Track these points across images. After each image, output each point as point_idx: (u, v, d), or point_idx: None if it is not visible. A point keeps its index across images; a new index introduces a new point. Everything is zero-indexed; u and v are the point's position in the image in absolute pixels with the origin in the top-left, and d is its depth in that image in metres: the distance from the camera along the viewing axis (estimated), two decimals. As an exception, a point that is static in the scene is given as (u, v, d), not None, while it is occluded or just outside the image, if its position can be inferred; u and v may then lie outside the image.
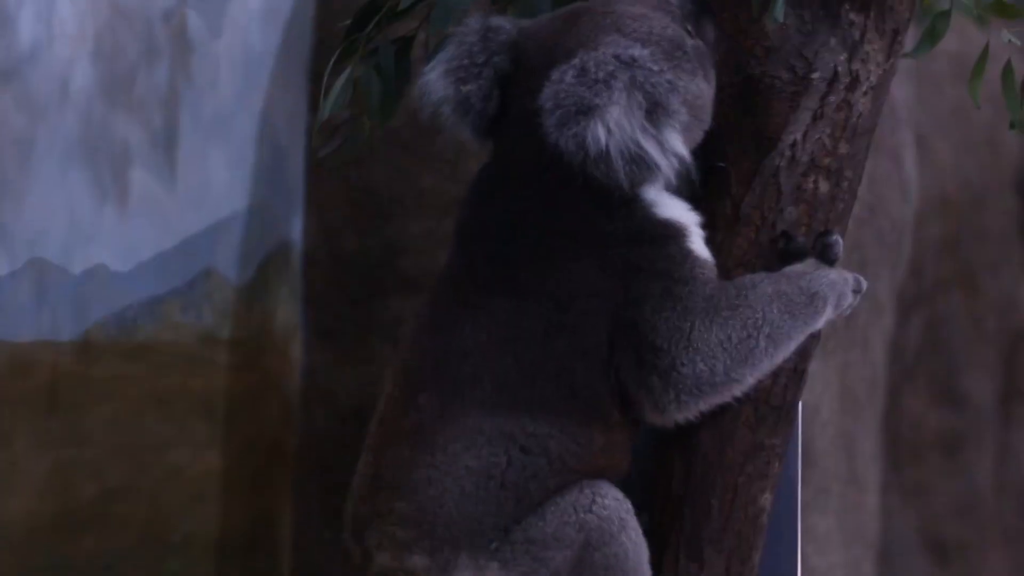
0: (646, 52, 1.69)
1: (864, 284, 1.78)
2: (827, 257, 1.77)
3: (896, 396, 3.27)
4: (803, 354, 1.78)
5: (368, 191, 2.31)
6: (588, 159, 1.67)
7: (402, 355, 1.76)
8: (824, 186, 1.79)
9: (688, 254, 1.72)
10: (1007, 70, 1.89)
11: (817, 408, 2.50)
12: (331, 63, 1.98)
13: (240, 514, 2.24)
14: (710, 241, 1.75)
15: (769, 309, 1.71)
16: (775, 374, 1.76)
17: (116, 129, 2.05)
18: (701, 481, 1.75)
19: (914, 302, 3.33)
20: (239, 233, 2.24)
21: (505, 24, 1.76)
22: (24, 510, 1.91)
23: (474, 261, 1.74)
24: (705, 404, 1.71)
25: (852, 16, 1.77)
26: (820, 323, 1.75)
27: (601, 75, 1.67)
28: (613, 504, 1.69)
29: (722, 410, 1.74)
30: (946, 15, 1.88)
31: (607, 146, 1.66)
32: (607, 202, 1.71)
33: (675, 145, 1.69)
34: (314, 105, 2.28)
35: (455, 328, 1.72)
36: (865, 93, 1.79)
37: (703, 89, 1.74)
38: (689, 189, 1.80)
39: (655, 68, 1.68)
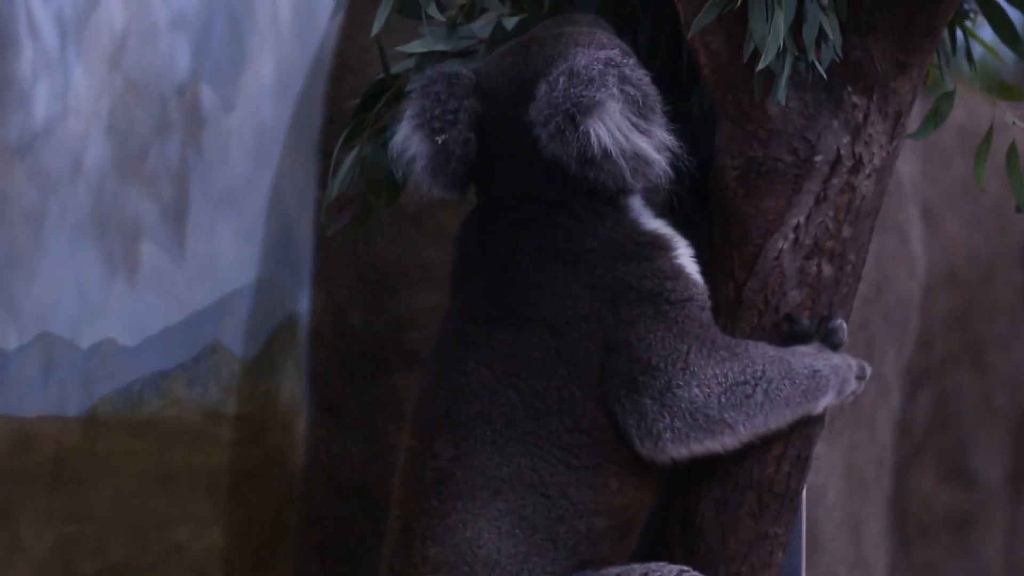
0: (615, 53, 1.71)
1: (868, 371, 1.77)
2: (831, 342, 1.77)
3: (904, 475, 3.23)
4: (807, 440, 1.77)
5: (375, 266, 2.31)
6: (587, 161, 1.67)
7: (415, 406, 1.76)
8: (827, 269, 1.79)
9: (680, 271, 1.71)
10: (1011, 153, 1.89)
11: (824, 490, 2.47)
12: (340, 142, 2.01)
13: (241, 592, 2.22)
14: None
15: (770, 367, 1.69)
16: (778, 461, 1.76)
17: (127, 203, 2.06)
18: (703, 572, 1.72)
19: (922, 378, 3.30)
20: (246, 307, 2.24)
21: (463, 70, 1.78)
22: (25, 586, 1.90)
23: (472, 297, 1.74)
24: (697, 441, 1.67)
25: (855, 99, 1.79)
26: (821, 404, 1.74)
27: (594, 73, 1.67)
28: None
29: (724, 499, 1.73)
30: (950, 96, 1.89)
31: (608, 144, 1.66)
32: (593, 219, 1.71)
33: (664, 138, 1.69)
34: (323, 181, 2.29)
35: (460, 369, 1.71)
36: (868, 176, 1.80)
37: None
38: (672, 215, 1.78)
39: (632, 63, 1.70)
